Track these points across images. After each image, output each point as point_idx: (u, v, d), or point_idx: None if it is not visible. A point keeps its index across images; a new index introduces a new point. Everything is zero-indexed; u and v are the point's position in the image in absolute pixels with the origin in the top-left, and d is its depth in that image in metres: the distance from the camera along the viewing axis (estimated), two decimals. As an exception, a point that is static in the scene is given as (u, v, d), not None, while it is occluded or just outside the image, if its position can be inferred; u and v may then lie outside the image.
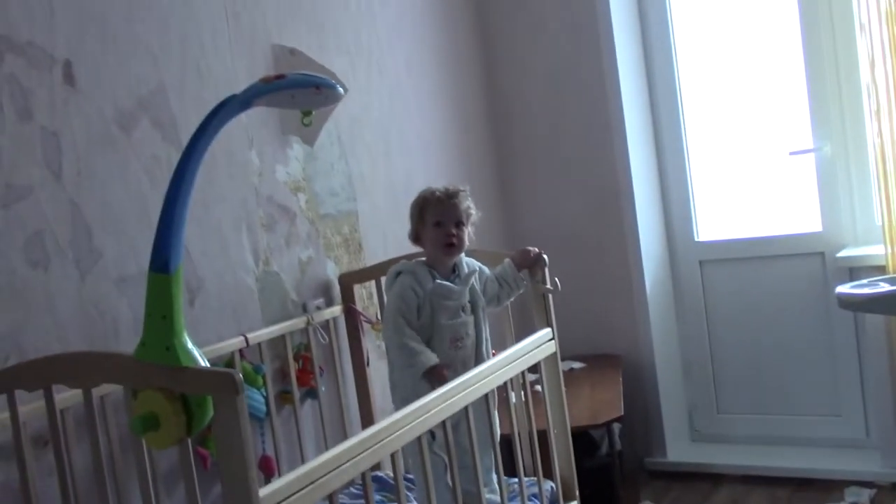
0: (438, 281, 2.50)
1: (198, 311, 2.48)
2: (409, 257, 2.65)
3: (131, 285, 2.28)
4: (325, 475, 1.64)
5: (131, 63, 2.36)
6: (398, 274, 2.52)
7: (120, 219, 2.29)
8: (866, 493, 3.20)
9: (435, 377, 2.33)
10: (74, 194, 2.18)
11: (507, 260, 2.65)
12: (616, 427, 3.33)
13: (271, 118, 2.79)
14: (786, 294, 3.68)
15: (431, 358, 2.38)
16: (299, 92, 1.69)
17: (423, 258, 2.57)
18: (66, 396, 1.97)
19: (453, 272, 2.56)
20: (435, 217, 2.50)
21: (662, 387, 3.75)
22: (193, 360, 1.55)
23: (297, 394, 2.72)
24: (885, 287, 2.29)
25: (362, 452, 1.75)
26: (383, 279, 2.95)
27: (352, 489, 2.74)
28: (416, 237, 2.57)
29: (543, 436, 2.64)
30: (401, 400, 2.43)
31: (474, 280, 2.57)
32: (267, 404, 2.58)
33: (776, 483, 3.44)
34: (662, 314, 3.84)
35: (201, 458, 2.35)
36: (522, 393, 2.57)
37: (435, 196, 2.51)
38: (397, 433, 1.87)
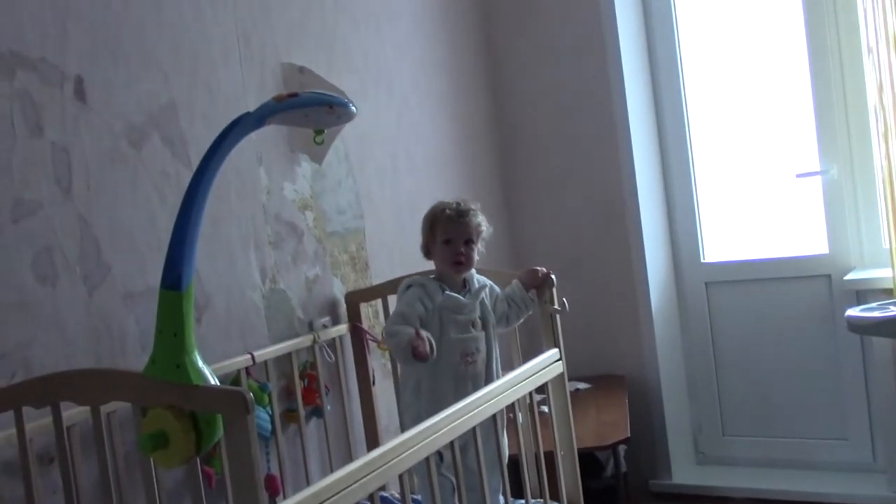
0: (448, 293, 2.49)
1: (204, 329, 2.47)
2: (420, 274, 2.65)
3: (139, 301, 2.27)
4: (332, 496, 1.63)
5: (142, 80, 2.37)
6: (408, 287, 2.52)
7: (129, 235, 2.29)
8: (873, 518, 3.19)
9: (416, 350, 2.28)
10: (84, 210, 2.18)
11: (515, 280, 2.65)
12: (621, 448, 3.31)
13: (280, 136, 2.80)
14: (792, 316, 3.67)
15: (409, 330, 2.33)
16: (312, 110, 1.69)
17: (433, 274, 2.57)
18: (73, 413, 1.95)
19: (463, 287, 2.55)
20: (445, 235, 2.50)
21: (668, 408, 3.74)
22: (203, 378, 1.55)
23: (302, 412, 2.71)
24: (895, 311, 2.29)
25: (370, 473, 1.74)
26: (390, 298, 2.95)
27: (356, 509, 2.72)
28: (426, 251, 2.57)
29: (549, 457, 2.63)
30: (411, 420, 2.41)
31: (484, 296, 2.57)
32: (272, 423, 2.57)
33: (782, 506, 3.43)
34: (668, 335, 3.83)
35: (206, 477, 2.34)
36: (529, 414, 2.56)
37: (445, 214, 2.50)
38: (405, 454, 1.85)
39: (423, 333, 2.32)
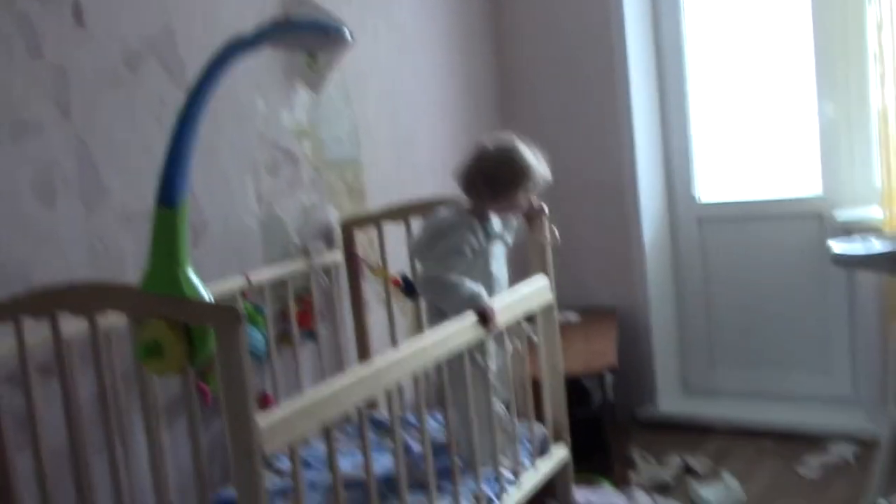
0: (491, 232, 2.54)
1: (201, 252, 2.52)
2: (428, 203, 2.69)
3: (137, 223, 2.32)
4: (322, 407, 1.71)
5: (139, 5, 2.39)
6: (452, 226, 2.48)
7: (126, 158, 2.34)
8: (849, 448, 3.27)
9: (486, 321, 2.31)
10: (82, 132, 2.22)
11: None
12: (609, 378, 3.39)
13: (277, 63, 2.82)
14: (783, 254, 3.72)
15: (482, 295, 2.35)
16: (307, 35, 1.73)
17: (468, 207, 2.55)
18: (71, 328, 2.01)
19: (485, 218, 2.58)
20: (528, 198, 2.55)
21: (656, 340, 3.81)
22: (197, 292, 1.61)
23: (296, 335, 2.78)
24: (877, 245, 2.33)
25: (358, 386, 1.82)
26: (385, 225, 3.00)
27: (347, 429, 2.82)
28: (492, 197, 2.50)
29: (537, 383, 2.71)
30: None
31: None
32: (267, 344, 2.64)
33: (763, 436, 3.51)
34: (660, 270, 3.88)
35: (202, 394, 2.42)
36: (518, 339, 2.63)
37: (542, 179, 2.56)
38: (393, 370, 1.93)
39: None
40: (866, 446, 3.22)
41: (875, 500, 2.41)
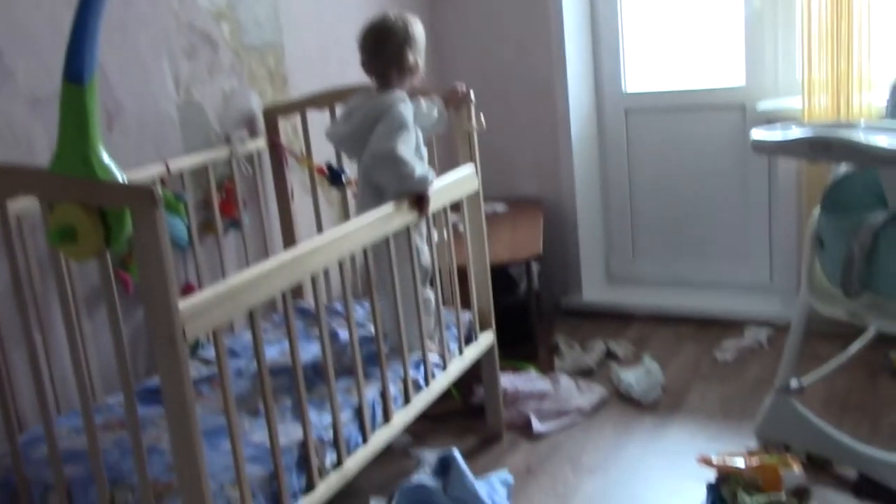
0: (420, 110, 2.51)
1: (116, 136, 2.43)
2: (353, 89, 2.62)
3: (46, 107, 2.22)
4: (245, 291, 1.68)
5: None
6: (394, 104, 2.42)
7: (32, 39, 2.21)
8: (764, 332, 3.40)
9: (423, 206, 2.35)
10: (-19, 8, 2.09)
11: (436, 97, 2.64)
12: (535, 267, 3.43)
13: (192, -61, 2.67)
14: (706, 144, 3.76)
15: (432, 178, 2.38)
16: None
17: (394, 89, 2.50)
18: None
19: None
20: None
21: (582, 231, 3.86)
22: (111, 173, 1.55)
23: (220, 224, 2.72)
24: (795, 132, 2.36)
25: (283, 271, 1.79)
26: (310, 113, 2.93)
27: (274, 318, 2.81)
28: (404, 70, 2.48)
29: (463, 272, 2.72)
30: None
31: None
32: (189, 234, 2.58)
33: (681, 322, 3.63)
34: (586, 160, 3.90)
35: (123, 282, 2.37)
36: (444, 227, 2.62)
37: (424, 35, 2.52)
38: (318, 255, 1.91)
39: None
40: (780, 330, 3.34)
41: (787, 380, 2.51)
